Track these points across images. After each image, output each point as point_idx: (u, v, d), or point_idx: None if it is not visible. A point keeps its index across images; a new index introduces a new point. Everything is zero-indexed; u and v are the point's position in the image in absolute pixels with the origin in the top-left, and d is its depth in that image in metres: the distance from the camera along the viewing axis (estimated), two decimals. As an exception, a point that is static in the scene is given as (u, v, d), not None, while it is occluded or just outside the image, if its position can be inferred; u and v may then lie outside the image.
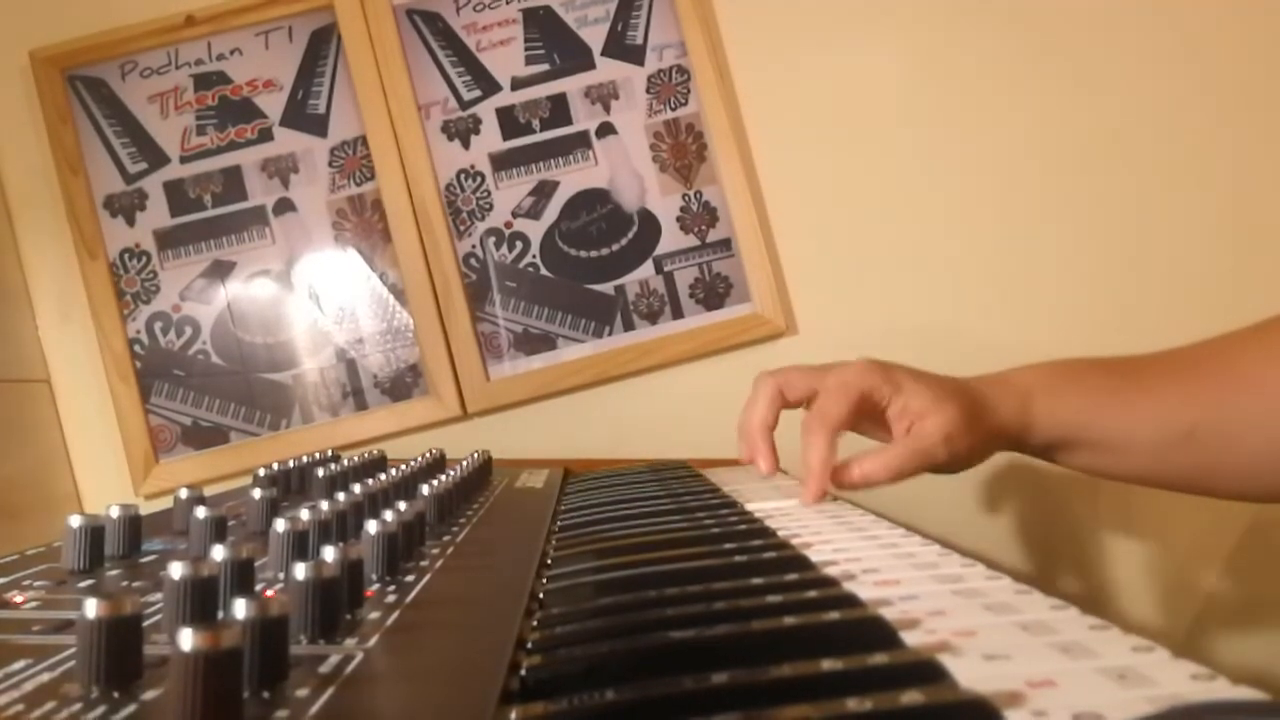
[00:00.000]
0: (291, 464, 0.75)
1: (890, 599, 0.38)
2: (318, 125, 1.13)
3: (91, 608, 0.27)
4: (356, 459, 0.75)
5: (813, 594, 0.38)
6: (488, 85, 1.13)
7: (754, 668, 0.29)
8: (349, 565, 0.35)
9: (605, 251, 1.11)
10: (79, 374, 1.11)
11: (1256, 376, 0.60)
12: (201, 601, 0.32)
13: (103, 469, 1.10)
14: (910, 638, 0.32)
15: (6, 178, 1.13)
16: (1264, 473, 0.61)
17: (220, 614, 0.33)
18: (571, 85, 1.13)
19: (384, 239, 1.11)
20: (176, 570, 0.32)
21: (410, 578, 0.42)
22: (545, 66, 1.13)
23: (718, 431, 0.85)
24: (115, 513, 0.49)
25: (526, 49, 1.13)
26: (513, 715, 0.28)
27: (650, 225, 1.11)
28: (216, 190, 1.12)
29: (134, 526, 0.49)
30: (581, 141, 1.12)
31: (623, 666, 0.31)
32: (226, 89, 1.13)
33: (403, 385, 1.11)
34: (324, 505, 0.45)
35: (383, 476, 0.59)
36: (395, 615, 0.36)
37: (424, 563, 0.45)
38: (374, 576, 0.41)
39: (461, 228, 1.11)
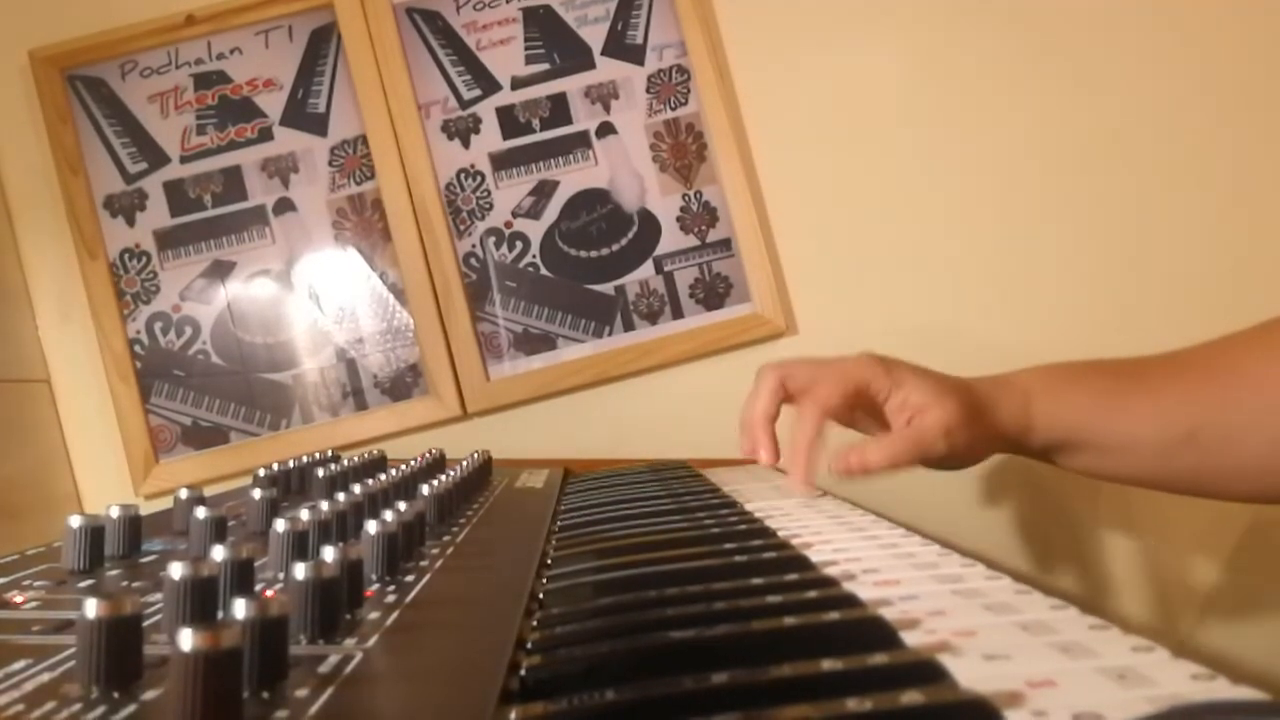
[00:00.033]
0: (291, 464, 0.75)
1: (890, 599, 0.38)
2: (318, 124, 1.13)
3: (91, 608, 0.27)
4: (356, 459, 0.75)
5: (813, 594, 0.38)
6: (488, 85, 1.13)
7: (754, 668, 0.29)
8: (349, 565, 0.35)
9: (605, 251, 1.11)
10: (79, 374, 1.11)
11: (1258, 378, 0.60)
12: (201, 601, 0.32)
13: (103, 469, 1.10)
14: (910, 638, 0.32)
15: (6, 178, 1.12)
16: (1266, 474, 0.61)
17: (220, 614, 0.33)
18: (571, 85, 1.13)
19: (384, 238, 1.11)
20: (176, 570, 0.32)
21: (410, 578, 0.42)
22: (545, 66, 1.13)
23: (718, 431, 0.85)
24: (115, 513, 0.49)
25: (526, 48, 1.13)
26: (512, 715, 0.29)
27: (650, 225, 1.11)
28: (216, 190, 1.12)
29: (134, 526, 0.49)
30: (581, 141, 1.12)
31: (623, 666, 0.31)
32: (226, 88, 1.13)
33: (403, 385, 1.10)
34: (324, 505, 0.45)
35: (383, 476, 0.59)
36: (395, 615, 0.36)
37: (424, 563, 0.45)
38: (374, 576, 0.41)
39: (461, 227, 1.11)
